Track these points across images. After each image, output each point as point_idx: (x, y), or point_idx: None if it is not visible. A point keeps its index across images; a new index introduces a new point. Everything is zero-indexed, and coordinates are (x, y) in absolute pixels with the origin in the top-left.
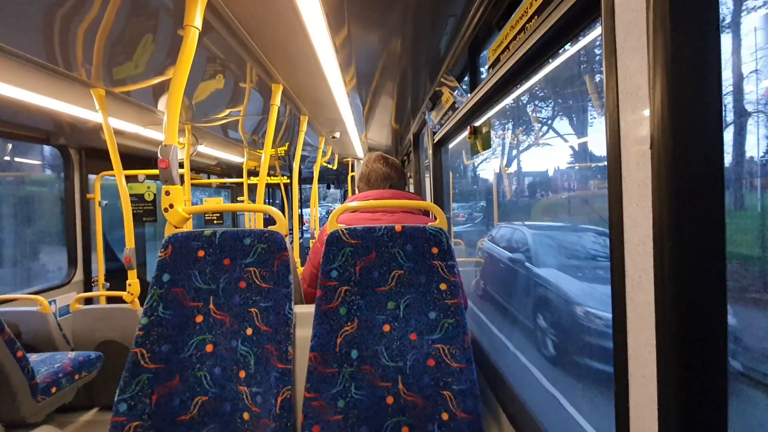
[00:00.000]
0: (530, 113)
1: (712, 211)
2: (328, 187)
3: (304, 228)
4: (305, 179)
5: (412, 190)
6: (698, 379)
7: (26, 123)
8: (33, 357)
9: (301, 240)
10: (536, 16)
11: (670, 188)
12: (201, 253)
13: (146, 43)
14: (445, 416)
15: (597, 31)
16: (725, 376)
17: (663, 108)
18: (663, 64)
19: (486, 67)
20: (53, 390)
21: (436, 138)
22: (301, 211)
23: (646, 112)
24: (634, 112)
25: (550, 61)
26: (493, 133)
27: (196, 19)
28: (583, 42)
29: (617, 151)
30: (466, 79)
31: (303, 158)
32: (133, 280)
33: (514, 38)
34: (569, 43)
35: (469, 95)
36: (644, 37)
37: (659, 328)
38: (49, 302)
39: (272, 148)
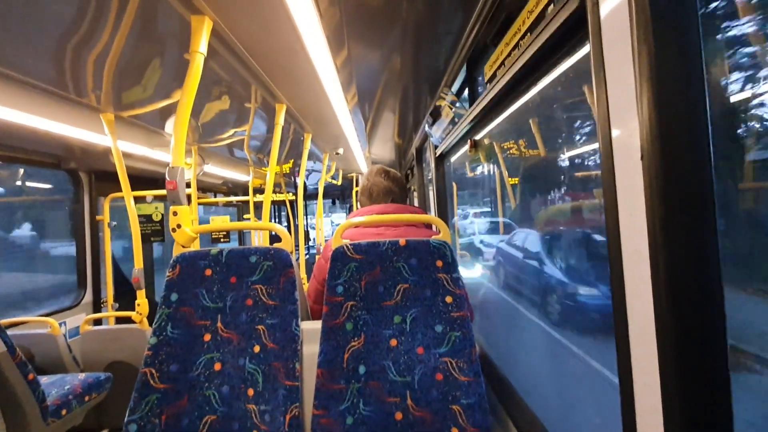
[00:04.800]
0: None
1: (704, 218)
2: (333, 203)
3: (310, 244)
4: (310, 195)
5: (416, 203)
6: (701, 385)
7: (38, 148)
8: (43, 379)
9: (307, 256)
10: (529, 33)
11: (662, 198)
12: (208, 272)
13: (154, 68)
14: (454, 431)
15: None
16: (728, 380)
17: (651, 119)
18: (648, 77)
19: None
20: (63, 412)
21: (438, 152)
22: (307, 227)
23: (635, 124)
24: (624, 125)
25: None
26: None
27: (201, 45)
28: None
29: (610, 162)
30: (466, 93)
31: (307, 175)
32: (141, 300)
33: (509, 54)
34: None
35: (468, 109)
36: (630, 52)
37: (659, 336)
38: (59, 324)
39: (277, 165)
